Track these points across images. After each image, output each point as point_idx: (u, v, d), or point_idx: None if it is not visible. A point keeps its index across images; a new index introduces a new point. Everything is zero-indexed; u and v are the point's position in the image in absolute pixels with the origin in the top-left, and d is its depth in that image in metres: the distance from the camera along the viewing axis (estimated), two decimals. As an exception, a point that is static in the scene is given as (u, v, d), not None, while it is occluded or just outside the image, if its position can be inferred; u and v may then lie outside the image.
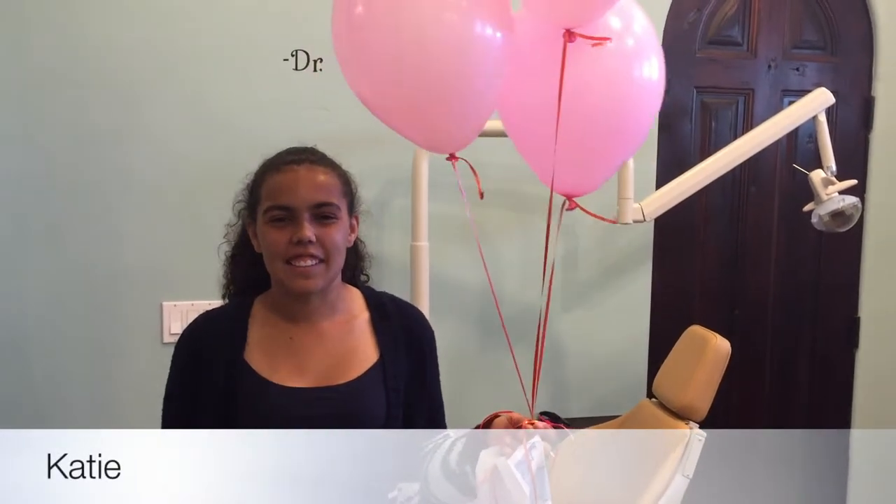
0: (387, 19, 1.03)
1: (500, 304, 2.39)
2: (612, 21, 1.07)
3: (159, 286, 2.19)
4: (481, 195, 1.17)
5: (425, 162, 2.10)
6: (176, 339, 1.32)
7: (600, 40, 1.01)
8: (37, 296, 2.13)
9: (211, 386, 1.24)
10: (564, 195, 1.16)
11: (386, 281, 1.96)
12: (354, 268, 1.39)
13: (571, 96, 1.03)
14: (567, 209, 1.17)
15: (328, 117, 2.24)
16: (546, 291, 1.07)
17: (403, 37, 1.03)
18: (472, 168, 1.16)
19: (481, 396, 2.41)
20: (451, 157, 1.18)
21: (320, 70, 2.24)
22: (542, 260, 1.05)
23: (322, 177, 1.25)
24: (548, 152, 1.07)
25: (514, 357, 1.19)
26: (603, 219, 1.20)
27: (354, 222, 1.33)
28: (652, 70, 1.09)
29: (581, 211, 1.22)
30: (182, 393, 1.27)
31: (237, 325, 1.29)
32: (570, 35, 1.01)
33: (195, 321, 1.31)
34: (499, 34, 1.05)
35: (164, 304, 2.20)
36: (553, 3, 1.03)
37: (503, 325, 1.21)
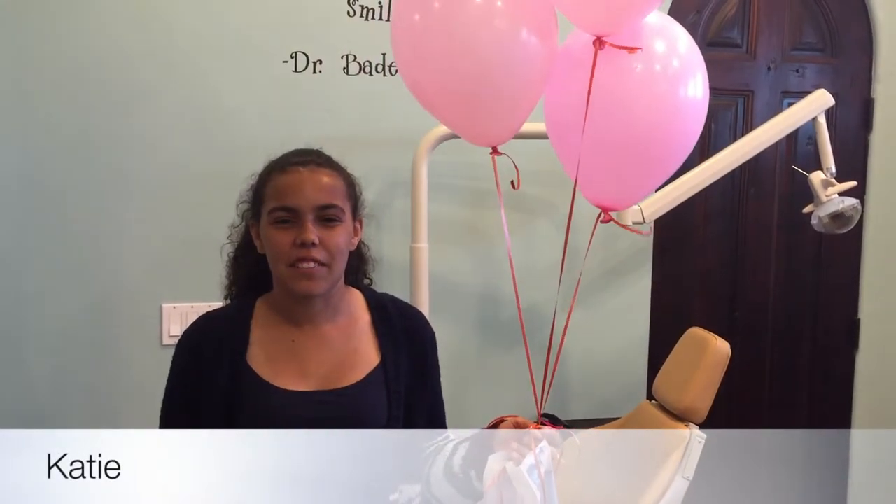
0: (441, 23, 1.11)
1: (501, 305, 2.41)
2: (657, 44, 1.10)
3: (159, 288, 2.19)
4: (516, 186, 1.20)
5: (425, 164, 2.09)
6: (175, 340, 1.32)
7: (631, 49, 1.04)
8: (36, 297, 2.13)
9: (212, 388, 1.23)
10: (602, 208, 1.18)
11: (386, 282, 1.95)
12: (357, 271, 1.39)
13: (616, 114, 1.08)
14: (602, 221, 1.19)
15: (327, 119, 2.24)
16: (573, 303, 1.07)
17: (455, 38, 1.10)
18: (514, 164, 1.19)
19: (481, 398, 2.41)
20: (494, 150, 1.21)
21: (320, 72, 2.24)
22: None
23: (327, 179, 1.25)
24: (590, 166, 1.11)
25: (528, 359, 1.19)
26: (639, 232, 1.22)
27: (358, 225, 1.33)
28: (696, 90, 1.13)
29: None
30: (182, 394, 1.27)
31: (239, 326, 1.28)
32: (600, 43, 1.04)
33: (196, 322, 1.31)
34: (540, 39, 1.11)
35: (164, 306, 2.20)
36: (585, 10, 1.06)
37: (522, 329, 1.21)
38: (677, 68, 1.11)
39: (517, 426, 1.15)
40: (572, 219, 1.18)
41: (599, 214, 1.19)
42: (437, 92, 1.18)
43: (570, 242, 2.40)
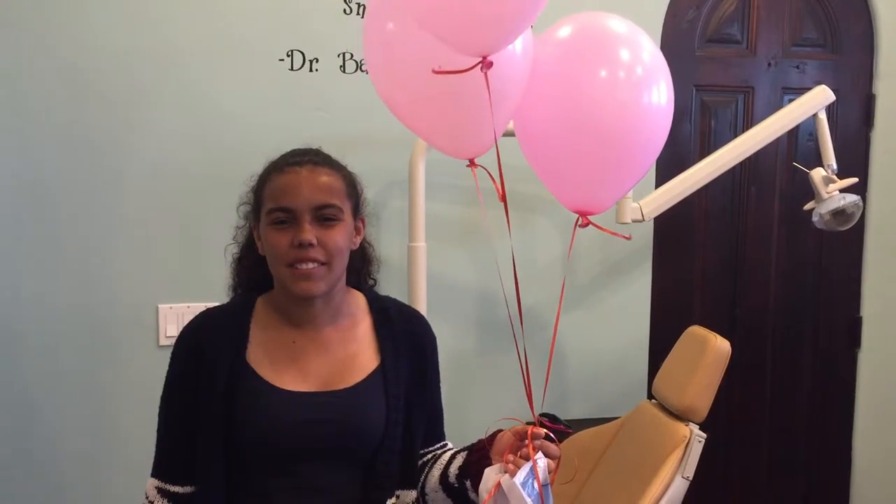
0: (415, 35, 1.07)
1: (499, 304, 2.40)
2: (622, 53, 1.11)
3: (155, 289, 2.18)
4: (502, 197, 1.16)
5: (422, 163, 2.08)
6: (172, 341, 1.30)
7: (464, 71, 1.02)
8: (33, 298, 2.12)
9: (211, 385, 1.22)
10: (578, 212, 1.16)
11: (383, 282, 1.94)
12: (360, 271, 1.37)
13: (585, 120, 1.07)
14: (581, 226, 1.17)
15: (324, 118, 2.23)
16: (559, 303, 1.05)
17: (429, 50, 1.07)
18: (489, 175, 1.16)
19: (479, 397, 2.40)
20: (472, 163, 1.18)
21: (316, 70, 2.23)
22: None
23: (324, 178, 1.23)
24: (561, 173, 1.11)
25: (524, 361, 1.18)
26: (621, 236, 1.20)
27: (360, 224, 1.32)
28: (661, 97, 1.13)
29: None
30: (182, 391, 1.25)
31: (239, 325, 1.27)
32: (487, 63, 1.03)
33: (196, 318, 1.29)
34: (518, 51, 1.08)
35: (160, 306, 2.19)
36: (466, 34, 1.03)
37: (522, 329, 1.20)
38: (641, 76, 1.12)
39: (518, 436, 1.15)
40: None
41: (577, 219, 1.18)
42: (411, 106, 1.16)
43: (567, 242, 2.36)
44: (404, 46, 1.09)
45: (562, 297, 1.13)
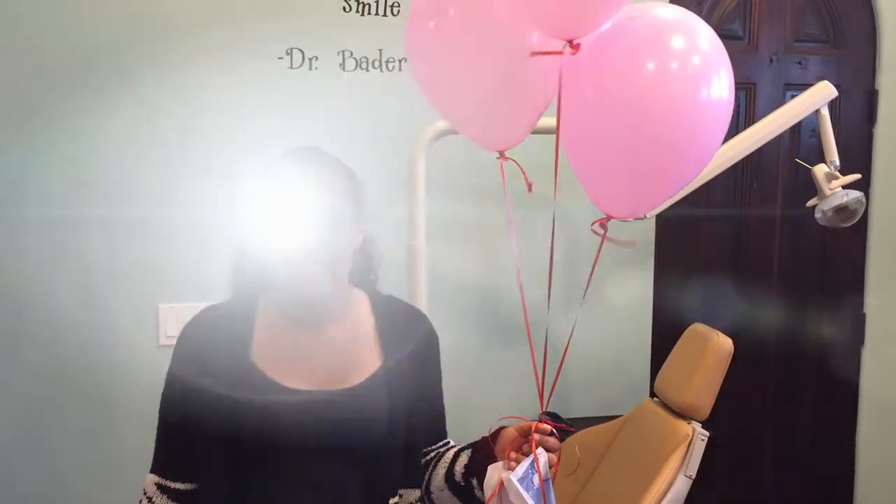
0: (458, 31, 1.09)
1: (500, 303, 2.39)
2: (675, 41, 1.04)
3: (156, 288, 2.18)
4: (529, 188, 1.18)
5: (422, 160, 2.07)
6: (172, 341, 1.30)
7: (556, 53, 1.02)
8: (33, 297, 2.12)
9: (214, 382, 1.21)
10: (609, 216, 1.15)
11: (384, 281, 1.94)
12: (363, 268, 1.37)
13: (634, 120, 1.02)
14: (599, 222, 1.16)
15: (323, 116, 2.22)
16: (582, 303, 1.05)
17: (470, 46, 1.09)
18: (520, 167, 1.17)
19: (480, 396, 2.40)
20: (501, 155, 1.19)
21: (316, 69, 2.22)
22: (544, 257, 1.07)
23: (324, 178, 1.23)
24: (604, 176, 1.09)
25: (533, 357, 1.17)
26: (627, 243, 1.18)
27: (362, 222, 1.31)
28: (721, 90, 1.03)
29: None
30: (184, 386, 1.24)
31: (243, 322, 1.27)
32: (572, 46, 1.01)
33: (201, 314, 1.29)
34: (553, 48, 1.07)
35: (161, 306, 2.18)
36: (553, 14, 1.02)
37: (528, 327, 1.20)
38: (697, 66, 1.03)
39: (522, 432, 1.15)
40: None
41: (597, 221, 1.16)
42: (454, 95, 1.16)
43: (570, 239, 2.38)
44: (448, 36, 1.09)
45: (585, 293, 1.12)
